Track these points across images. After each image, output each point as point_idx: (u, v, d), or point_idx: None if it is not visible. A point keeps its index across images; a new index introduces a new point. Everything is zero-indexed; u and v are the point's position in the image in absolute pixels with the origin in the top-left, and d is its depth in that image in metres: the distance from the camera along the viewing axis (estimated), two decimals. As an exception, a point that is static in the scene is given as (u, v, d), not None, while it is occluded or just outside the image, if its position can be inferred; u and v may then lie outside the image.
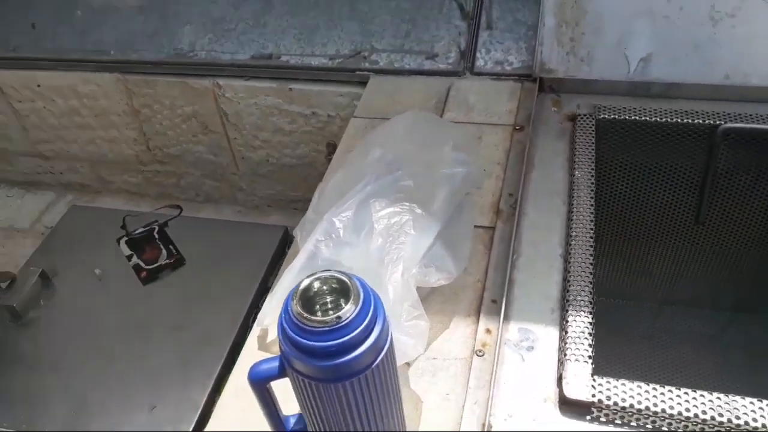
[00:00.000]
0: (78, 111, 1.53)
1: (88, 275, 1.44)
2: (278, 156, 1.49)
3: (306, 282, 0.46)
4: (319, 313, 0.45)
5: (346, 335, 0.44)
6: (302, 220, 0.82)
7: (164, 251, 1.47)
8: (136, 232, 1.51)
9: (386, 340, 0.48)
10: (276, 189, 1.59)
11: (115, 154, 1.62)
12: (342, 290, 0.47)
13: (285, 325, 0.45)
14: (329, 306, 0.47)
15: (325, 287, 0.47)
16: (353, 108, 1.17)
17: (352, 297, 0.45)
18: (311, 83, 1.31)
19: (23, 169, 1.76)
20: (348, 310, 0.44)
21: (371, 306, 0.46)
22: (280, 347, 0.47)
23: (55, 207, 1.74)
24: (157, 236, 1.50)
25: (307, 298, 0.46)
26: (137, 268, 1.44)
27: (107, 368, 1.26)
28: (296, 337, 0.44)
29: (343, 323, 0.44)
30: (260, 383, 0.50)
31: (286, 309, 0.45)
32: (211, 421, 0.73)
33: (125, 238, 1.50)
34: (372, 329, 0.46)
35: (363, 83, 1.21)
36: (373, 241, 0.71)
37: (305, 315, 0.44)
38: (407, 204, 0.74)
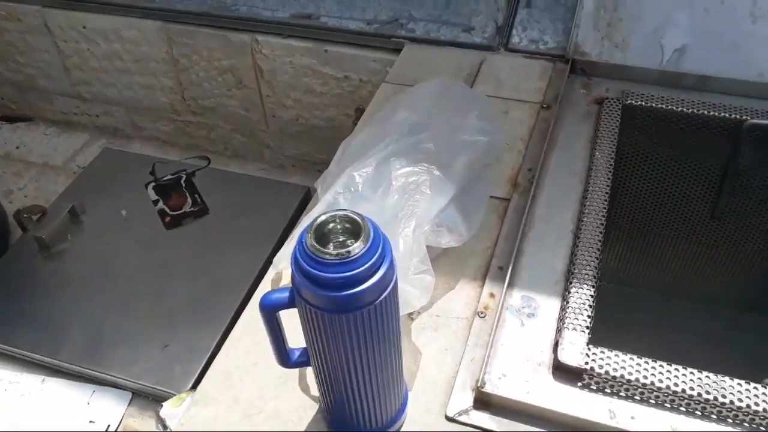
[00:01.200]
0: (119, 55, 1.57)
1: (115, 215, 1.49)
2: (308, 117, 1.52)
3: (322, 218, 0.49)
4: (330, 247, 0.48)
5: (353, 270, 0.47)
6: (324, 174, 0.85)
7: (189, 199, 1.51)
8: (164, 178, 1.55)
9: (390, 281, 0.50)
10: (302, 150, 1.62)
11: (151, 101, 1.66)
12: (354, 231, 0.50)
13: (298, 256, 0.48)
14: (340, 243, 0.50)
15: (338, 226, 0.50)
16: (385, 74, 1.19)
17: (362, 235, 0.48)
18: (347, 46, 1.32)
19: (62, 108, 1.81)
20: (357, 247, 0.47)
21: (380, 246, 0.48)
22: (291, 278, 0.50)
23: (89, 148, 1.79)
24: (183, 184, 1.55)
25: (322, 234, 0.49)
26: (162, 213, 1.48)
27: (125, 304, 1.31)
28: (308, 267, 0.47)
29: (352, 258, 0.47)
30: (270, 311, 0.53)
31: (300, 241, 0.48)
32: (217, 358, 0.76)
33: (153, 184, 1.55)
34: (378, 268, 0.48)
35: (397, 50, 1.22)
36: (390, 197, 0.73)
37: (318, 247, 0.47)
38: (426, 165, 0.76)
